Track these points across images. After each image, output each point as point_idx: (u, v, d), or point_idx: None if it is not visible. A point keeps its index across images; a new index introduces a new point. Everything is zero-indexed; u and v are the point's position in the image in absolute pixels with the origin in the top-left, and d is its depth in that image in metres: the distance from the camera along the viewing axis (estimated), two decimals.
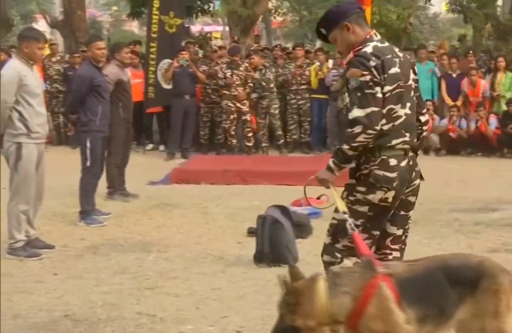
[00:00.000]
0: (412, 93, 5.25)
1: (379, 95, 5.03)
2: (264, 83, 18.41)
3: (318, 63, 19.35)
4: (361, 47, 5.19)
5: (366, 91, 5.03)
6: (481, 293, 4.38)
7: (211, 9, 26.93)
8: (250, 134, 18.34)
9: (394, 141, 5.11)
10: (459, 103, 18.97)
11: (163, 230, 10.19)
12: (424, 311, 4.44)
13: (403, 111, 5.12)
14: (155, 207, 11.65)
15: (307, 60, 19.75)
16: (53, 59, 21.03)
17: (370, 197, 5.10)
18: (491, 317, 4.36)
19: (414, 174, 5.24)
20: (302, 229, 9.17)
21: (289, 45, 29.65)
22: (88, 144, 10.66)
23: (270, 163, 16.54)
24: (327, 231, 5.34)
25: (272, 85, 18.64)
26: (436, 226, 10.30)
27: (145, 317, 6.66)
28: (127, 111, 12.09)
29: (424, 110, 5.53)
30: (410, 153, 5.19)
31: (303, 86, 19.18)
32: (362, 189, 5.14)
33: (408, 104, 5.17)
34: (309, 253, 8.18)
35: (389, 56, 5.13)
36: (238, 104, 18.12)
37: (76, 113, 11.38)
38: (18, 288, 7.53)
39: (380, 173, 5.07)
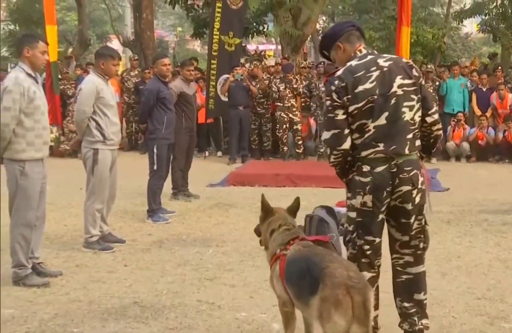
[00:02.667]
0: (395, 100, 5.03)
1: (340, 117, 5.01)
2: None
3: None
4: (336, 69, 5.25)
5: (328, 115, 5.08)
6: (317, 295, 4.56)
7: (265, 30, 26.87)
8: (300, 142, 18.33)
9: (363, 153, 5.05)
10: (488, 114, 18.79)
11: (221, 227, 10.21)
12: (293, 289, 4.91)
13: (372, 125, 5.00)
14: (214, 206, 11.67)
15: None
16: (132, 73, 21.21)
17: (353, 201, 5.11)
18: (319, 318, 4.55)
19: (398, 180, 5.04)
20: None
21: None
22: (155, 150, 10.75)
23: (317, 168, 16.47)
24: None
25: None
26: (467, 226, 10.20)
27: (205, 304, 6.68)
28: (190, 121, 12.15)
29: (431, 111, 5.28)
30: (395, 161, 5.03)
31: None
32: (348, 194, 5.19)
33: (385, 115, 5.01)
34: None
35: (361, 73, 5.03)
36: (290, 115, 18.14)
37: (145, 123, 11.45)
38: (93, 278, 7.60)
39: (357, 178, 5.08)
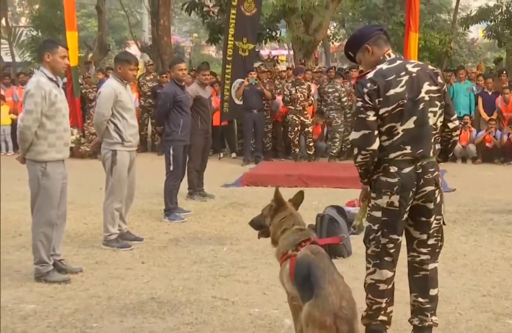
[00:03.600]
0: (422, 105, 5.03)
1: (371, 118, 4.99)
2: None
3: None
4: (368, 71, 5.20)
5: (359, 115, 5.06)
6: (308, 306, 4.72)
7: (278, 35, 26.86)
8: (311, 144, 18.34)
9: (391, 155, 5.04)
10: (495, 116, 18.75)
11: (235, 226, 10.20)
12: (297, 289, 4.96)
13: (401, 128, 5.00)
14: (228, 206, 11.68)
15: None
16: (147, 77, 21.25)
17: (379, 201, 5.08)
18: (305, 328, 4.73)
19: (423, 181, 5.06)
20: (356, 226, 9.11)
21: (345, 66, 29.48)
22: (171, 151, 10.76)
23: (328, 169, 16.46)
24: None
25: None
26: (473, 225, 10.18)
27: (219, 300, 6.69)
28: (205, 123, 12.16)
29: (453, 117, 5.30)
30: (420, 162, 5.04)
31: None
32: (373, 194, 5.14)
33: (413, 119, 5.02)
34: (360, 247, 8.07)
35: (392, 77, 5.02)
36: (302, 118, 18.15)
37: (162, 125, 11.46)
38: (112, 274, 7.62)
39: (383, 179, 5.05)
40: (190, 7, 26.23)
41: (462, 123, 18.58)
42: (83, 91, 19.69)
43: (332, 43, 41.42)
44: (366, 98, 5.02)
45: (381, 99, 5.00)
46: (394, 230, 5.08)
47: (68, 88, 17.20)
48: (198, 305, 6.55)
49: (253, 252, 8.60)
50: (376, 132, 5.01)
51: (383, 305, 5.18)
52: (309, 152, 18.32)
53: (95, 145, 11.50)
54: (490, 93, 19.30)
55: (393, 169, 5.02)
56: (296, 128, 18.27)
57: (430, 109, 5.10)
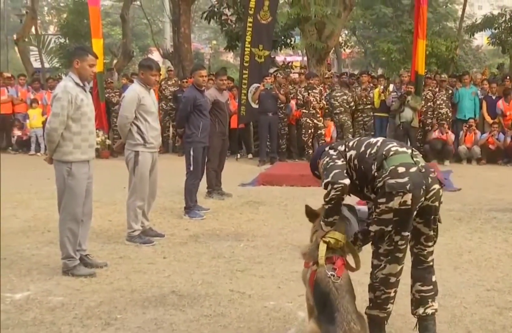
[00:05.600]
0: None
1: (339, 163, 5.28)
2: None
3: (381, 87, 19.31)
4: None
5: (328, 166, 5.34)
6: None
7: (292, 42, 26.84)
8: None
9: (388, 149, 5.14)
10: (497, 120, 18.70)
11: (252, 223, 10.20)
12: (314, 302, 4.99)
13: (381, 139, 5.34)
14: (245, 204, 11.67)
15: (371, 85, 19.71)
16: (169, 82, 21.30)
17: (390, 204, 4.95)
18: None
19: (430, 180, 5.04)
20: (365, 224, 9.07)
21: (356, 72, 29.46)
22: (191, 152, 10.77)
23: None
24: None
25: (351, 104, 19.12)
26: (477, 223, 10.13)
27: (236, 294, 6.68)
28: (223, 126, 12.17)
29: None
30: (420, 164, 5.04)
31: (368, 106, 19.28)
32: (382, 199, 5.00)
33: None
34: (369, 243, 8.10)
35: None
36: (315, 121, 18.14)
37: (182, 128, 11.48)
38: (135, 269, 7.63)
39: (393, 181, 4.94)
40: (209, 16, 26.29)
41: (467, 126, 18.60)
42: (106, 95, 19.73)
43: (344, 50, 41.36)
44: (330, 150, 5.40)
45: (344, 143, 5.43)
46: (406, 227, 5.04)
47: (94, 93, 17.24)
48: (216, 298, 6.54)
49: (269, 248, 8.60)
50: (345, 172, 5.17)
51: (392, 294, 5.20)
52: None
53: (118, 147, 11.53)
54: (494, 97, 19.25)
55: (401, 169, 4.96)
56: (309, 131, 18.27)
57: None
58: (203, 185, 11.68)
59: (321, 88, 18.81)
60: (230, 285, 6.99)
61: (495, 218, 10.49)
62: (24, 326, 5.79)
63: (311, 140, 18.44)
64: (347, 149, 5.29)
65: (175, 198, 11.77)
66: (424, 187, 4.99)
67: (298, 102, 18.58)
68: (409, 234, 5.11)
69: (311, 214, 5.46)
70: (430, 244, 5.32)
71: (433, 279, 5.39)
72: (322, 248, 5.06)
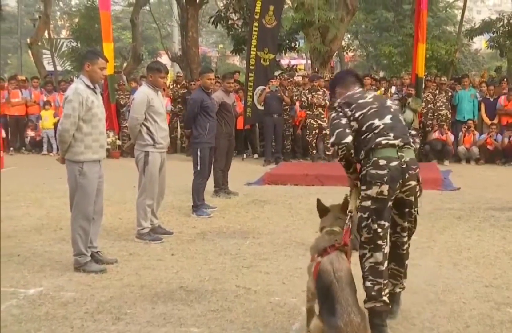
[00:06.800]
0: (393, 110, 5.57)
1: (343, 121, 5.47)
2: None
3: (383, 89, 19.27)
4: None
5: (333, 122, 5.58)
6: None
7: (296, 46, 26.88)
8: (329, 145, 18.25)
9: (378, 140, 5.35)
10: (496, 121, 18.68)
11: (257, 221, 10.19)
12: (317, 294, 5.00)
13: (380, 122, 5.42)
14: (251, 203, 11.67)
15: (373, 87, 19.70)
16: (178, 85, 21.33)
17: (369, 192, 5.27)
18: None
19: (407, 176, 5.29)
20: None
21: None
22: (198, 153, 10.78)
23: (342, 169, 16.38)
24: None
25: None
26: (476, 221, 10.11)
27: (242, 289, 6.68)
28: (229, 127, 12.17)
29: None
30: (404, 159, 5.29)
31: None
32: (363, 187, 5.35)
33: (389, 116, 5.47)
34: None
35: (359, 95, 5.68)
36: (319, 122, 18.12)
37: (190, 129, 11.49)
38: (144, 265, 7.64)
39: (374, 171, 5.25)
40: (216, 20, 26.33)
41: (466, 127, 18.58)
42: (116, 97, 19.74)
43: (347, 53, 41.29)
44: (338, 109, 5.54)
45: (353, 105, 5.49)
46: (382, 216, 5.26)
47: (105, 95, 17.24)
48: (223, 294, 6.54)
49: (274, 245, 8.59)
50: (347, 130, 5.38)
51: (383, 284, 5.31)
52: (328, 153, 18.26)
53: (129, 147, 11.54)
54: (492, 99, 19.24)
55: (382, 162, 5.24)
56: (314, 132, 18.26)
57: (400, 115, 5.65)
58: (210, 184, 11.68)
59: (325, 89, 18.79)
60: (236, 281, 6.99)
61: (493, 216, 10.46)
62: (37, 321, 5.80)
63: (315, 140, 18.41)
64: (351, 118, 5.46)
65: (183, 197, 11.77)
66: (400, 181, 5.27)
67: (302, 104, 18.56)
68: (386, 223, 5.32)
69: (321, 209, 5.56)
70: (404, 234, 5.63)
71: (406, 262, 5.79)
72: (354, 196, 5.58)
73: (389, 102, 5.70)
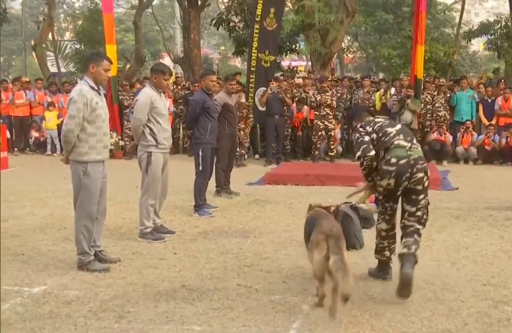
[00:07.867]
0: (403, 123, 6.68)
1: (366, 139, 6.71)
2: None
3: (382, 90, 19.28)
4: None
5: (358, 141, 6.89)
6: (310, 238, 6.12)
7: (297, 48, 26.83)
8: (333, 147, 18.29)
9: (393, 141, 6.61)
10: (493, 122, 18.69)
11: (258, 220, 10.19)
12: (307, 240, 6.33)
13: (393, 129, 6.70)
14: (252, 202, 11.67)
15: (373, 88, 19.71)
16: (178, 86, 21.33)
17: (382, 182, 6.57)
18: (309, 253, 6.24)
19: (415, 170, 6.43)
20: (367, 221, 9.06)
21: (358, 76, 29.45)
22: (200, 153, 10.78)
23: (342, 169, 16.40)
24: None
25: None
26: (474, 221, 10.12)
27: (244, 288, 6.68)
28: (232, 128, 12.16)
29: None
30: (413, 156, 6.48)
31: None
32: (378, 177, 6.62)
33: (399, 124, 6.98)
34: (371, 240, 8.08)
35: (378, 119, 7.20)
36: (326, 122, 18.12)
37: (191, 129, 11.49)
38: (147, 264, 7.64)
39: (385, 167, 6.49)
40: (218, 23, 26.31)
41: (465, 128, 18.61)
42: (119, 98, 19.73)
43: (346, 55, 41.38)
44: (361, 129, 6.77)
45: (371, 123, 6.78)
46: (391, 199, 6.70)
47: (108, 96, 17.26)
48: (224, 292, 6.54)
49: (275, 244, 8.60)
50: (371, 146, 6.59)
51: (385, 245, 6.84)
52: (331, 154, 18.27)
53: (132, 148, 11.55)
54: (489, 100, 19.27)
55: (393, 160, 6.44)
56: (320, 133, 18.25)
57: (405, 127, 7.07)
58: (212, 183, 11.68)
59: (333, 90, 18.83)
60: (237, 280, 6.99)
61: (491, 216, 10.47)
62: (41, 319, 5.81)
63: (320, 141, 18.41)
64: (371, 132, 6.67)
65: (185, 197, 11.77)
66: (408, 174, 6.42)
67: (311, 105, 18.59)
68: (395, 205, 6.72)
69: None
70: (411, 219, 6.55)
71: (415, 237, 6.51)
72: (365, 195, 7.08)
73: (396, 121, 6.73)
